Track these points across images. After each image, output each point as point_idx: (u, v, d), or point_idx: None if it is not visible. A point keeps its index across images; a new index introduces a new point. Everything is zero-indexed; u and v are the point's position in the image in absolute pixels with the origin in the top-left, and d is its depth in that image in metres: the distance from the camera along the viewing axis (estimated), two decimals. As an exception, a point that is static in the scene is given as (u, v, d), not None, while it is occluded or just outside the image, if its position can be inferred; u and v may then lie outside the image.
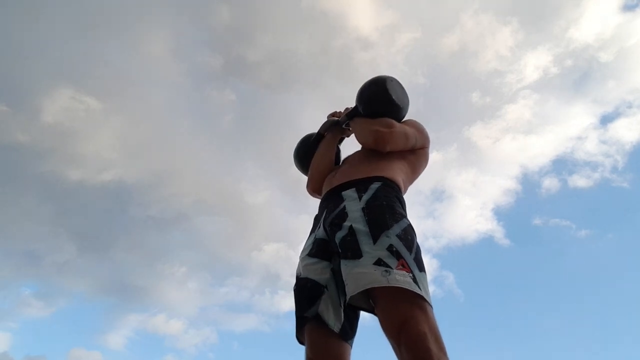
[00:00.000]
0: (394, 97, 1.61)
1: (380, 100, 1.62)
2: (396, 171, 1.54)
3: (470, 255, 9.59)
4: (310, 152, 1.85)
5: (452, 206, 10.09)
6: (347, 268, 1.24)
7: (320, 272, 1.40)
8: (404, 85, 1.70)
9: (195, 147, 9.84)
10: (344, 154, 1.88)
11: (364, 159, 1.60)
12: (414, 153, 1.64)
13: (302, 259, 1.49)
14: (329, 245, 1.42)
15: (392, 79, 1.66)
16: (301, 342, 1.41)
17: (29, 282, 9.83)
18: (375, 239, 1.24)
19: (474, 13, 9.24)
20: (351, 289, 1.20)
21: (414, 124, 1.66)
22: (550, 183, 9.52)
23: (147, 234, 9.84)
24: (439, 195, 9.98)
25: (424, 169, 1.69)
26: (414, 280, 1.16)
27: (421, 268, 1.23)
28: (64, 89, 8.64)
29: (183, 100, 9.59)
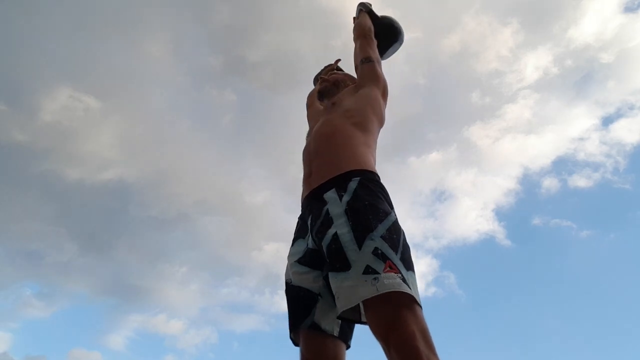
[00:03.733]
0: (390, 48, 2.21)
1: (390, 36, 2.18)
2: (367, 151, 1.56)
3: (471, 256, 9.61)
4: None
5: (452, 206, 10.10)
6: (337, 281, 1.21)
7: (312, 281, 1.39)
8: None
9: (195, 147, 9.85)
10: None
11: (332, 137, 1.60)
12: (377, 116, 1.72)
13: (291, 264, 1.46)
14: (320, 255, 1.38)
15: (402, 43, 2.24)
16: (295, 343, 1.40)
17: (30, 282, 9.86)
18: (359, 243, 1.21)
19: (475, 14, 9.24)
20: (342, 304, 1.17)
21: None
22: (551, 183, 9.54)
23: (148, 234, 9.86)
24: (440, 196, 9.99)
25: (381, 124, 1.77)
26: (403, 280, 1.15)
27: (409, 267, 1.21)
28: (63, 88, 8.65)
29: (183, 100, 9.61)
